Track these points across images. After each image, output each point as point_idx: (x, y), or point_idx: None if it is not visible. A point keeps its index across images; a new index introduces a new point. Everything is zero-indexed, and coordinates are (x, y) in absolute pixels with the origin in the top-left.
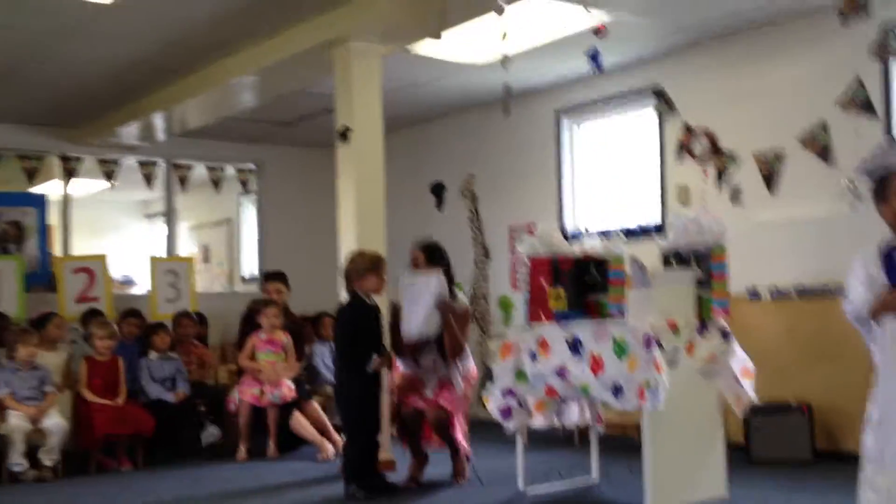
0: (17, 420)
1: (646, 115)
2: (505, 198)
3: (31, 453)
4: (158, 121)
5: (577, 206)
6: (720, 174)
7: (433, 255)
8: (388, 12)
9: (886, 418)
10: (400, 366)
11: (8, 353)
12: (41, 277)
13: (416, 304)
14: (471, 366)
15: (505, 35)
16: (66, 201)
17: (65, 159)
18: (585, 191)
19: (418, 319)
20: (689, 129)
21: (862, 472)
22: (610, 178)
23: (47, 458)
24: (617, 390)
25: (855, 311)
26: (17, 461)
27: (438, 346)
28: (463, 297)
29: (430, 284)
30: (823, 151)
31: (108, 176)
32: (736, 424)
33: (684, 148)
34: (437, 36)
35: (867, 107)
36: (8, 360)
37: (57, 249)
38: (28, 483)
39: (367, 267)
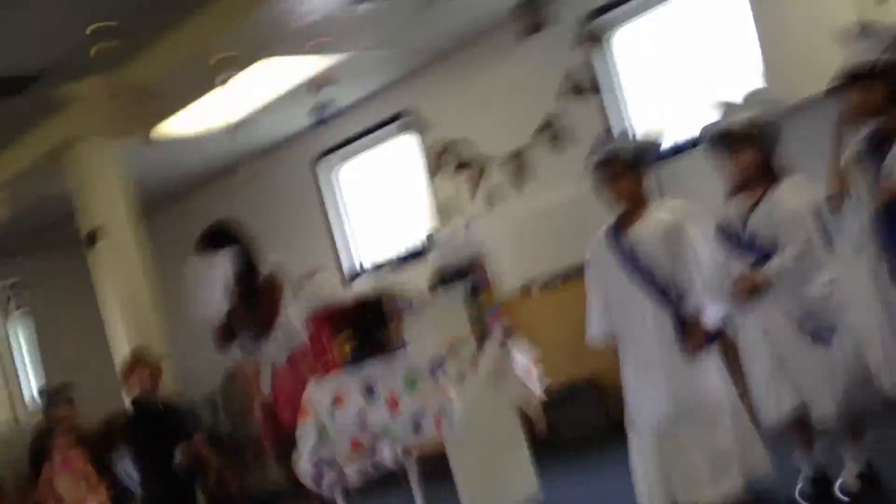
0: None
1: (399, 140)
2: (282, 251)
3: None
4: None
5: (354, 244)
6: (475, 182)
7: (216, 241)
8: (106, 112)
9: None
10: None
11: None
12: None
13: (207, 285)
14: None
15: (234, 126)
16: None
17: None
18: (360, 227)
19: (210, 303)
20: (438, 146)
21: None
22: (381, 207)
23: None
24: (416, 426)
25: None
26: None
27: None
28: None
29: (218, 265)
30: (556, 139)
31: None
32: (540, 416)
33: (437, 164)
34: (147, 138)
35: (580, 92)
36: None
37: None
38: None
39: (126, 370)
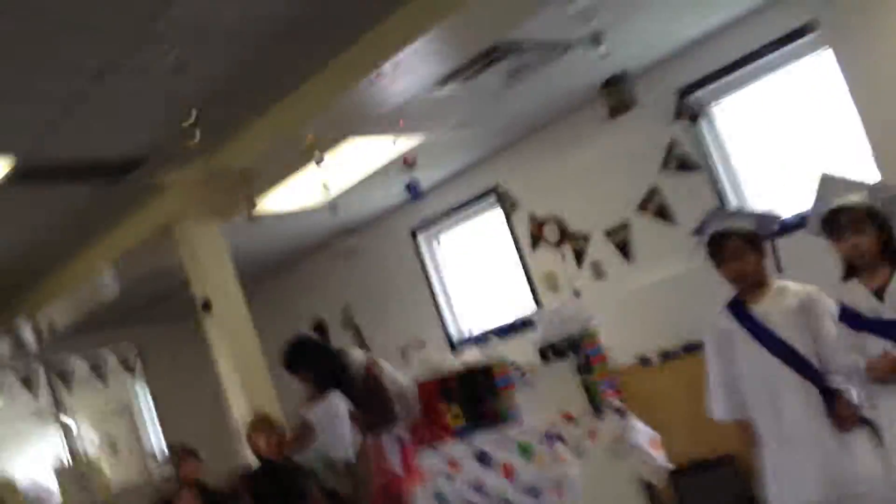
0: None
1: (494, 214)
2: (387, 321)
3: None
4: (26, 330)
5: (457, 312)
6: (577, 254)
7: (295, 363)
8: (205, 194)
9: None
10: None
11: None
12: None
13: (334, 428)
14: None
15: (326, 186)
16: None
17: None
18: (461, 295)
19: (345, 441)
20: (536, 220)
21: None
22: (480, 277)
23: None
24: (534, 492)
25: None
26: None
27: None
28: (361, 359)
29: (334, 406)
30: (662, 213)
31: None
32: (667, 491)
33: (537, 237)
34: (251, 213)
35: (686, 165)
36: None
37: None
38: None
39: (253, 433)
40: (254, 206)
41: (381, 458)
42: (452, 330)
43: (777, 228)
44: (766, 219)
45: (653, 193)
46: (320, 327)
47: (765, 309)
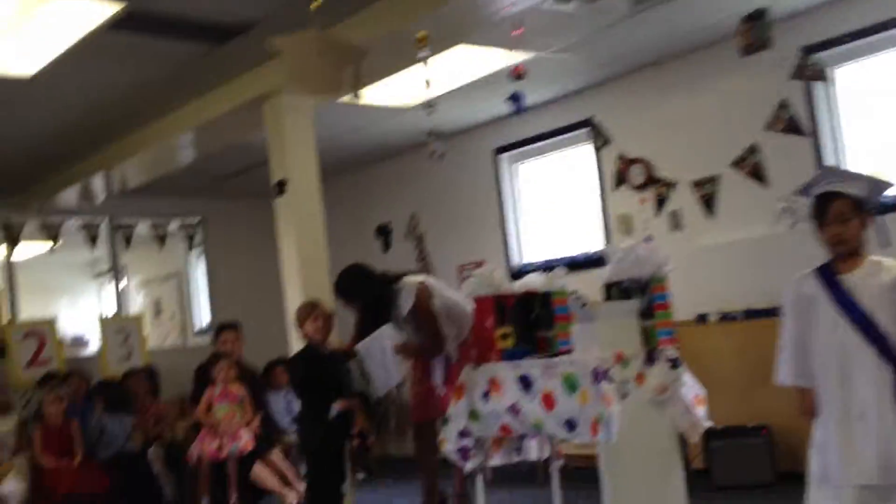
0: None
1: (582, 148)
2: (451, 237)
3: None
4: (98, 182)
5: (522, 241)
6: (659, 201)
7: (347, 291)
8: (310, 68)
9: (829, 439)
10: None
11: None
12: None
13: (381, 361)
14: None
15: (428, 83)
16: (10, 267)
17: (6, 226)
18: (530, 225)
19: (389, 375)
20: (624, 159)
21: (808, 492)
22: (553, 210)
23: None
24: (570, 425)
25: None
26: None
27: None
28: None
29: (383, 340)
30: (757, 173)
31: (52, 239)
32: (696, 449)
33: (621, 178)
34: (358, 91)
35: (794, 128)
36: None
37: (4, 315)
38: None
39: (302, 315)
40: (362, 85)
41: (424, 373)
42: (515, 258)
43: (883, 199)
44: (878, 185)
45: (751, 151)
46: (383, 231)
47: (854, 280)
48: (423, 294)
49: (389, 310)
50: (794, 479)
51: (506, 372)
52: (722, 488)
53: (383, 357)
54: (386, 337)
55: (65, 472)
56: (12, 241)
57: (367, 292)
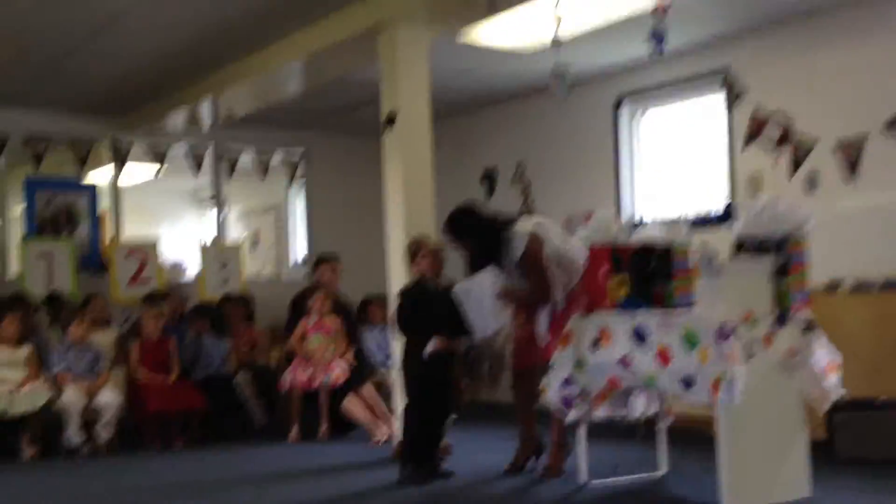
0: (72, 396)
1: (713, 100)
2: (559, 186)
3: (87, 428)
4: (206, 108)
5: (636, 195)
6: (795, 162)
7: (459, 231)
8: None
9: None
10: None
11: (62, 332)
12: (93, 261)
13: (481, 306)
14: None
15: (560, 19)
16: (116, 188)
17: (115, 146)
18: (646, 179)
19: (487, 321)
20: (759, 115)
21: None
22: (673, 164)
23: (102, 433)
24: (687, 383)
25: None
26: (74, 435)
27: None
28: (525, 227)
29: (484, 284)
30: None
31: (158, 161)
32: (817, 420)
33: (755, 134)
34: (487, 17)
35: None
36: (63, 338)
37: (109, 235)
38: (83, 457)
39: (415, 249)
40: (496, 10)
41: (527, 320)
42: (627, 212)
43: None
44: None
45: None
46: (488, 176)
47: None
48: (535, 243)
49: (500, 253)
50: None
51: (618, 322)
52: (845, 462)
53: (482, 301)
54: (489, 280)
55: (160, 388)
56: (120, 162)
57: (479, 233)
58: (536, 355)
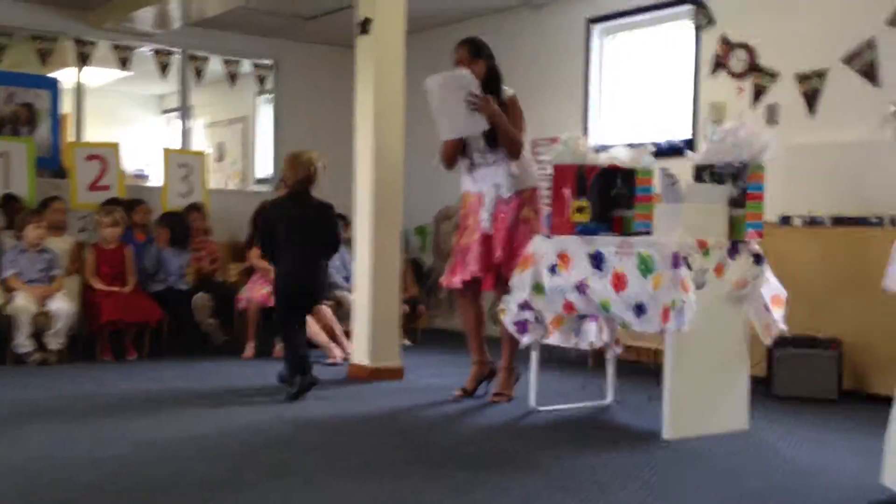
0: (23, 301)
1: (681, 27)
2: (528, 109)
3: (37, 337)
4: (174, 6)
5: (603, 119)
6: (756, 92)
7: (478, 50)
8: None
9: None
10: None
11: (16, 235)
12: (52, 163)
13: (447, 103)
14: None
15: None
16: (79, 88)
17: (79, 42)
18: (613, 104)
19: (452, 121)
20: (727, 43)
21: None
22: (639, 91)
23: (53, 342)
24: (639, 309)
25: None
26: (23, 343)
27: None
28: (508, 90)
29: (461, 80)
30: (869, 71)
31: (123, 63)
32: (758, 355)
33: (721, 62)
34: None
35: None
36: (16, 241)
37: (70, 137)
38: (32, 365)
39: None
40: None
41: (474, 209)
42: (593, 136)
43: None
44: None
45: (867, 47)
46: None
47: None
48: (518, 104)
49: (498, 87)
50: (859, 398)
51: (577, 246)
52: (782, 398)
53: (452, 100)
54: (466, 80)
55: (115, 298)
56: (82, 60)
57: (491, 56)
58: (474, 266)
